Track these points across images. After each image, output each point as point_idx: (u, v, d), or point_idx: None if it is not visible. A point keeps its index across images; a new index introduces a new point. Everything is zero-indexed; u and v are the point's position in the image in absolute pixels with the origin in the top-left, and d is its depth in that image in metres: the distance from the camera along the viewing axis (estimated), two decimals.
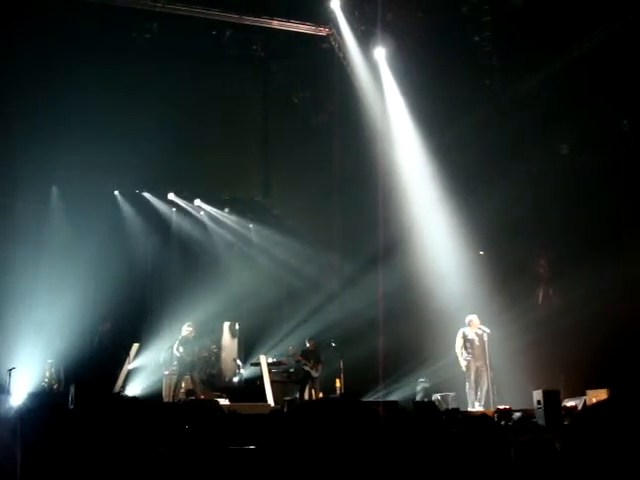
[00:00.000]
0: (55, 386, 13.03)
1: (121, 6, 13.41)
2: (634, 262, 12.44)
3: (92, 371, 13.29)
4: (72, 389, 10.07)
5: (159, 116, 14.60)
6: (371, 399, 11.43)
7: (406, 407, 10.97)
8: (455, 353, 12.70)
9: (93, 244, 14.81)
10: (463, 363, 12.57)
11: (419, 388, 12.68)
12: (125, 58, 14.55)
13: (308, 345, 14.97)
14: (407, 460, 2.60)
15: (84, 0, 13.36)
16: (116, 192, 15.57)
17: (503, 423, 10.88)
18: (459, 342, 12.66)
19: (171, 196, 15.97)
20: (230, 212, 16.49)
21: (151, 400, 12.27)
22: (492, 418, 3.31)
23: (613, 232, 12.98)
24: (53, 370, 13.19)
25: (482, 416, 3.35)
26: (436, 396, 12.64)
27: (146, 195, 15.84)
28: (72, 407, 9.56)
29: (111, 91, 14.30)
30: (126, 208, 15.77)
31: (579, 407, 11.09)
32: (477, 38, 14.07)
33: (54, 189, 15.02)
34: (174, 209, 16.20)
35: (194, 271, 15.27)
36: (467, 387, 12.55)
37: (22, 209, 14.12)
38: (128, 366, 13.88)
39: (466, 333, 12.69)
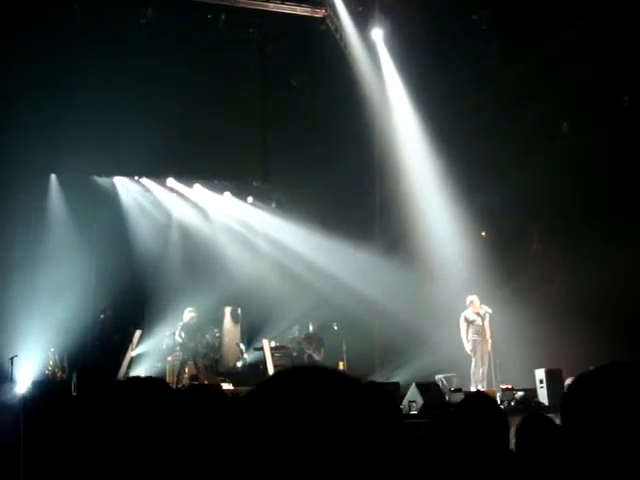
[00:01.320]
0: (58, 374, 13.05)
1: None
2: (638, 241, 12.44)
3: (95, 358, 13.34)
4: (74, 376, 10.11)
5: (156, 101, 14.56)
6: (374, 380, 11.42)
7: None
8: (460, 337, 12.73)
9: (93, 231, 14.81)
10: (468, 347, 12.60)
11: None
12: (121, 44, 14.47)
13: (311, 329, 15.02)
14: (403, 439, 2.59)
15: None
16: (115, 178, 15.48)
17: (506, 403, 10.91)
18: (463, 327, 12.70)
19: (170, 181, 15.93)
20: (229, 197, 16.45)
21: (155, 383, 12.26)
22: (488, 395, 3.30)
23: (616, 211, 12.94)
24: (56, 358, 13.21)
25: (477, 393, 3.34)
26: (439, 377, 12.65)
27: (145, 181, 15.78)
28: (75, 394, 9.60)
29: (107, 77, 14.23)
30: (125, 194, 15.73)
31: None
32: (475, 17, 13.97)
33: (52, 177, 14.97)
34: (174, 194, 16.16)
35: (195, 256, 15.25)
36: (472, 367, 12.58)
37: (20, 197, 14.09)
38: (131, 353, 13.90)
39: (467, 315, 12.74)
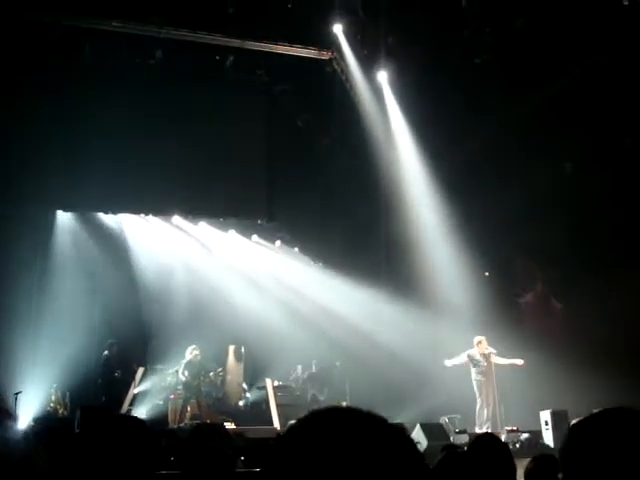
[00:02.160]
0: (60, 410, 12.99)
1: (125, 32, 13.54)
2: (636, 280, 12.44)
3: (97, 395, 13.27)
4: (78, 413, 10.07)
5: (163, 140, 14.71)
6: None
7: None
8: (454, 366, 12.71)
9: (98, 268, 14.87)
10: (448, 363, 12.55)
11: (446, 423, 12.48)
12: (130, 83, 14.68)
13: (314, 368, 14.97)
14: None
15: (91, 28, 13.50)
16: (120, 216, 15.57)
17: (511, 444, 10.82)
18: (462, 358, 12.65)
19: (175, 219, 16.02)
20: (234, 234, 16.52)
21: (157, 423, 12.22)
22: (497, 437, 3.30)
23: (619, 249, 12.96)
24: (59, 394, 13.16)
25: (487, 434, 3.34)
26: (443, 418, 12.56)
27: (150, 219, 15.86)
28: (78, 431, 9.55)
29: (116, 116, 14.39)
30: (130, 232, 15.81)
31: None
32: (477, 60, 14.16)
33: (58, 213, 15.08)
34: (179, 232, 16.23)
35: (199, 294, 15.25)
36: (477, 408, 12.51)
37: (26, 232, 14.19)
38: (134, 390, 13.84)
39: (472, 354, 12.68)
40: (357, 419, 1.07)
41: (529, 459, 3.74)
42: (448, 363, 12.71)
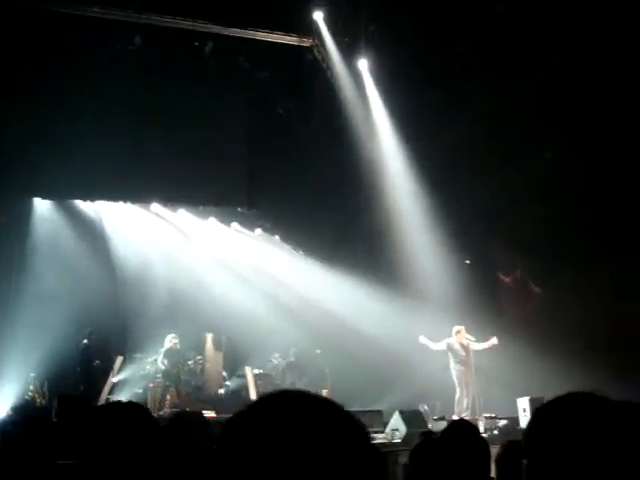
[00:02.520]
0: (38, 399, 12.91)
1: (105, 18, 13.39)
2: (617, 269, 12.56)
3: (76, 384, 13.20)
4: (55, 403, 10.01)
5: (141, 127, 14.61)
6: (357, 408, 11.37)
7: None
8: (428, 347, 12.77)
9: (76, 256, 14.76)
10: (423, 339, 12.61)
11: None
12: (108, 70, 14.52)
13: (292, 356, 14.97)
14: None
15: (70, 13, 13.32)
16: (98, 203, 15.43)
17: (489, 431, 10.91)
18: (440, 345, 12.70)
19: (154, 207, 15.91)
20: (214, 222, 16.46)
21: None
22: (470, 423, 3.32)
23: (596, 237, 13.05)
24: (37, 383, 13.08)
25: (460, 420, 3.36)
26: (423, 405, 12.62)
27: (129, 206, 15.73)
28: (55, 420, 9.49)
29: (94, 103, 14.26)
30: (109, 219, 15.70)
31: None
32: (459, 49, 14.16)
33: (35, 201, 14.94)
34: (158, 220, 16.14)
35: (178, 282, 15.19)
36: (457, 396, 12.57)
37: (1, 221, 14.07)
38: (112, 379, 13.79)
39: (450, 343, 12.74)
40: (305, 402, 1.06)
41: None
42: (423, 340, 12.70)
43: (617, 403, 1.44)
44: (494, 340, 12.65)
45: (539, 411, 1.49)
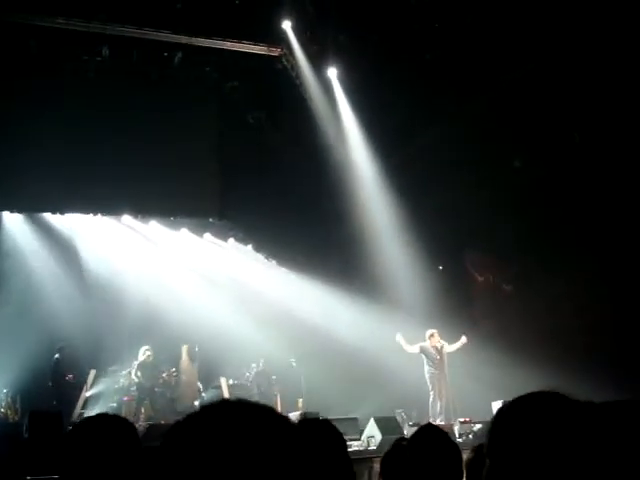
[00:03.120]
0: (11, 416, 12.73)
1: (71, 29, 13.28)
2: (586, 274, 12.69)
3: (49, 399, 13.03)
4: (26, 419, 9.87)
5: (111, 139, 14.50)
6: (333, 416, 11.34)
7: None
8: (402, 347, 12.85)
9: (47, 270, 14.62)
10: (399, 337, 12.66)
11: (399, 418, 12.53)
12: (77, 80, 14.43)
13: (261, 366, 14.90)
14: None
15: (35, 24, 13.20)
16: (68, 216, 15.26)
17: (464, 436, 10.95)
18: (414, 348, 12.80)
19: (125, 219, 15.80)
20: (186, 233, 16.37)
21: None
22: (439, 428, 3.32)
23: (570, 243, 13.18)
24: (9, 399, 12.90)
25: (428, 425, 3.37)
26: (399, 412, 12.64)
27: (99, 218, 15.57)
28: (27, 437, 9.35)
29: (61, 114, 14.14)
30: (78, 231, 15.54)
31: None
32: (428, 56, 14.25)
33: (3, 215, 14.77)
34: (129, 232, 16.02)
35: (150, 294, 15.07)
36: (431, 400, 12.65)
37: None
38: (86, 393, 13.64)
39: (424, 347, 12.83)
40: (244, 411, 1.06)
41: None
42: (399, 338, 12.81)
43: (579, 402, 1.44)
44: (463, 339, 12.83)
45: (501, 411, 1.49)
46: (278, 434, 1.04)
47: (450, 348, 12.83)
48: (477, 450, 3.46)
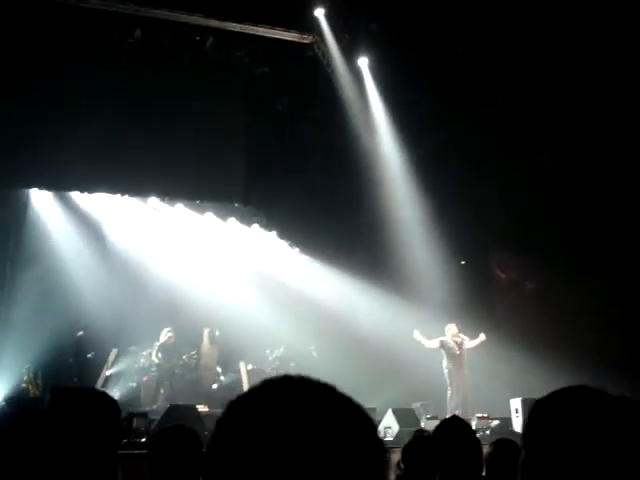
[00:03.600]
0: (32, 391, 12.89)
1: (104, 10, 13.34)
2: (615, 271, 12.58)
3: (70, 376, 13.18)
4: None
5: (141, 120, 14.56)
6: None
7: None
8: (421, 343, 12.82)
9: (73, 249, 14.74)
10: (416, 334, 12.68)
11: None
12: (108, 63, 14.50)
13: (282, 351, 14.92)
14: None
15: (69, 4, 13.26)
16: (96, 195, 15.37)
17: (481, 431, 10.92)
18: (433, 343, 12.76)
19: (152, 200, 15.88)
20: (211, 217, 16.42)
21: (130, 405, 12.17)
22: (463, 420, 3.33)
23: (594, 239, 13.06)
24: (31, 375, 13.06)
25: (453, 417, 3.36)
26: (416, 404, 12.64)
27: (126, 199, 15.66)
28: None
29: (93, 95, 14.21)
30: (105, 212, 15.66)
31: None
32: (460, 49, 14.13)
33: (32, 191, 14.91)
34: (155, 213, 16.11)
35: (174, 276, 15.18)
36: (448, 395, 12.62)
37: (1, 211, 14.09)
38: (106, 372, 13.78)
39: (444, 341, 12.79)
40: (309, 387, 1.05)
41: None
42: (417, 335, 12.77)
43: (613, 397, 1.45)
44: (482, 336, 12.77)
45: (538, 403, 1.50)
46: (343, 412, 1.03)
47: (470, 344, 12.78)
48: (496, 445, 3.46)
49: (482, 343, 12.80)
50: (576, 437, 1.36)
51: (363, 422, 1.04)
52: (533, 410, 1.48)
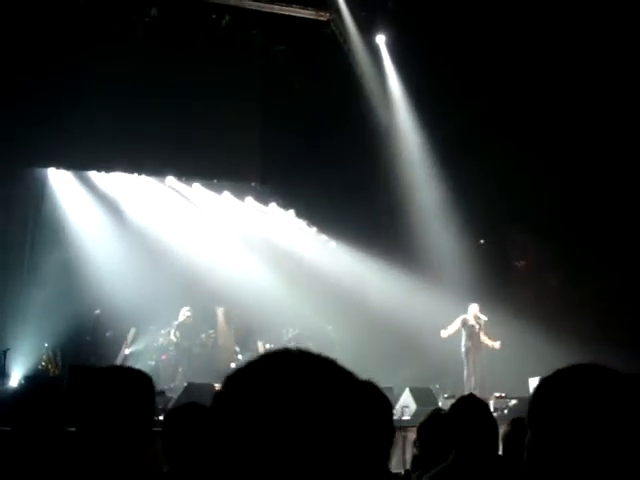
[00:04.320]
0: (52, 370, 13.03)
1: None
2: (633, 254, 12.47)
3: (88, 355, 13.28)
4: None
5: (158, 100, 14.56)
6: None
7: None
8: (450, 335, 12.81)
9: (91, 227, 14.81)
10: (444, 333, 12.70)
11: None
12: (125, 41, 14.49)
13: (297, 329, 14.94)
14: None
15: None
16: (113, 175, 15.40)
17: (499, 411, 10.91)
18: (456, 324, 12.76)
19: (169, 180, 15.90)
20: (228, 196, 16.41)
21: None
22: (480, 399, 3.31)
23: (612, 223, 12.94)
24: (50, 353, 13.19)
25: (470, 395, 3.34)
26: (434, 384, 12.66)
27: (143, 178, 15.69)
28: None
29: (109, 74, 14.22)
30: (123, 191, 15.69)
31: None
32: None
33: (50, 170, 14.97)
34: (172, 192, 16.13)
35: (191, 255, 15.21)
36: (465, 374, 12.62)
37: (17, 188, 14.18)
38: (125, 350, 13.87)
39: (466, 319, 12.78)
40: (307, 361, 1.03)
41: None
42: (444, 334, 12.79)
43: (622, 375, 1.41)
44: (497, 345, 12.71)
45: (543, 382, 1.47)
46: (342, 386, 1.01)
47: (483, 337, 12.79)
48: (514, 423, 3.43)
49: (492, 347, 12.79)
50: (581, 415, 1.33)
51: (364, 396, 1.02)
52: (538, 389, 1.45)
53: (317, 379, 1.00)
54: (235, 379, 1.02)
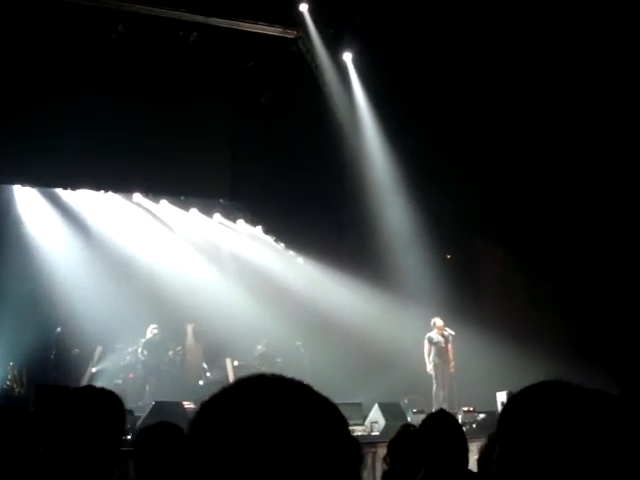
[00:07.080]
0: (17, 389, 12.80)
1: (87, 5, 13.23)
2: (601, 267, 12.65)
3: (55, 374, 13.08)
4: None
5: (123, 116, 14.48)
6: (337, 400, 11.39)
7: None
8: (423, 357, 12.85)
9: (56, 245, 14.65)
10: (429, 367, 12.73)
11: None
12: (91, 58, 14.39)
13: (264, 347, 14.88)
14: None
15: None
16: (79, 192, 15.26)
17: (467, 425, 10.96)
18: (426, 347, 12.81)
19: (136, 197, 15.80)
20: (196, 213, 16.36)
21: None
22: (449, 414, 3.34)
23: (580, 234, 13.13)
24: (15, 372, 12.96)
25: (440, 411, 3.37)
26: (403, 399, 12.68)
27: (110, 195, 15.57)
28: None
29: (77, 90, 14.13)
30: (89, 208, 15.55)
31: None
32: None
33: (16, 188, 14.79)
34: (139, 210, 16.02)
35: (158, 272, 15.11)
36: (434, 389, 12.67)
37: None
38: (92, 369, 13.71)
39: (431, 336, 12.84)
40: (282, 386, 1.05)
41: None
42: (428, 367, 12.83)
43: (588, 391, 1.44)
44: (453, 365, 12.80)
45: (512, 399, 1.49)
46: (318, 411, 1.02)
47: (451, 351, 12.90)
48: (491, 438, 3.46)
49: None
50: (549, 432, 1.36)
51: (337, 422, 1.03)
52: (506, 406, 1.48)
53: (293, 407, 1.00)
54: (210, 407, 1.03)
